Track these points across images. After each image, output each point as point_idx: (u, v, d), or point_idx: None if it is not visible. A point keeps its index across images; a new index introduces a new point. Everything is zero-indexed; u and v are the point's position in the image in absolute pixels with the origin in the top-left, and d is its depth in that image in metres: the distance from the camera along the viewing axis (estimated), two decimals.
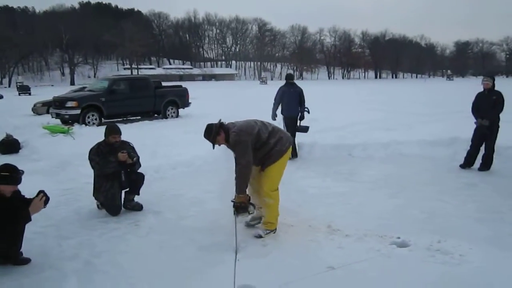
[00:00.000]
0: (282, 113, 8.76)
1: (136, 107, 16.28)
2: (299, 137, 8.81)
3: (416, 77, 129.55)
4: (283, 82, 9.03)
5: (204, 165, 7.96)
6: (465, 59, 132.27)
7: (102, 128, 5.63)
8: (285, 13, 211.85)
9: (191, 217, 5.22)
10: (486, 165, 7.30)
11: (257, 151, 4.45)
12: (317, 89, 36.73)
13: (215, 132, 4.40)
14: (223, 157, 8.30)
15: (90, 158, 5.19)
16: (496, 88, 7.14)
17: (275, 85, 12.21)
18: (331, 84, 70.34)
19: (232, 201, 4.47)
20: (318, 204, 5.59)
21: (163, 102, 16.89)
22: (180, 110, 17.63)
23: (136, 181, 5.43)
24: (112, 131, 5.30)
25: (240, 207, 4.39)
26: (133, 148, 5.49)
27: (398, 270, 3.67)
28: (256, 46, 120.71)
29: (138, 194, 5.51)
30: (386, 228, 4.63)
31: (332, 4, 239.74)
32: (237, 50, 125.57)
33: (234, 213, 4.46)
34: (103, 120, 15.17)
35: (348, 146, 9.38)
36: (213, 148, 4.54)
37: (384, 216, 5.10)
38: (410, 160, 8.28)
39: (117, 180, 5.23)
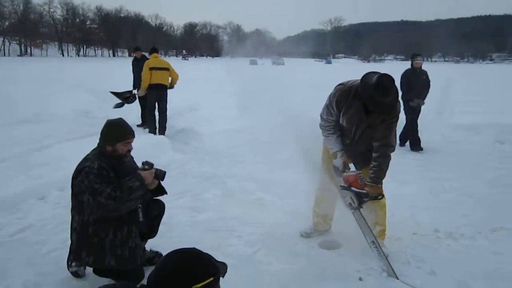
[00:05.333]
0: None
1: None
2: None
3: None
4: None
5: None
6: (196, 40, 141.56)
7: None
8: None
9: (260, 250, 3.57)
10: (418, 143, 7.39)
11: None
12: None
13: (396, 95, 3.15)
14: None
15: (93, 190, 2.71)
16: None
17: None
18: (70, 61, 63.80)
19: (355, 190, 3.31)
20: None
21: None
22: None
23: (157, 217, 3.25)
24: (124, 131, 2.98)
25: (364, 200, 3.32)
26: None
27: None
28: None
29: (154, 236, 3.31)
30: (478, 220, 4.20)
31: None
32: None
33: (355, 208, 3.34)
34: None
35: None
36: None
37: (439, 206, 4.67)
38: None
39: (133, 223, 2.97)
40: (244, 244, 3.71)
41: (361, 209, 3.38)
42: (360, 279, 3.12)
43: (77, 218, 2.90)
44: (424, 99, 7.27)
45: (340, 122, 3.40)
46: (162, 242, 3.48)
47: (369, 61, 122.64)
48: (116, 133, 2.95)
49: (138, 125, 8.78)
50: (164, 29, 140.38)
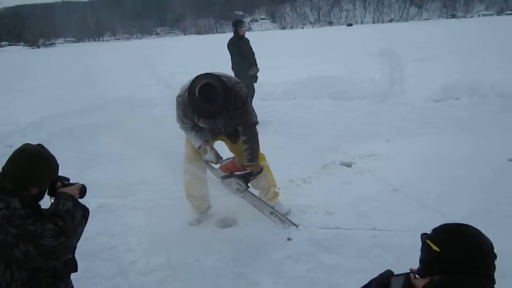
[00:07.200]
0: None
1: None
2: None
3: None
4: None
5: None
6: None
7: None
8: None
9: (171, 255, 3.17)
10: None
11: None
12: None
13: (227, 93, 3.08)
14: None
15: (30, 234, 1.70)
16: None
17: None
18: None
19: (238, 174, 3.42)
20: None
21: None
22: None
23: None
24: (57, 166, 2.01)
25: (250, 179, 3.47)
26: None
27: None
28: None
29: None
30: (308, 164, 4.89)
31: None
32: None
33: (244, 189, 3.46)
34: None
35: None
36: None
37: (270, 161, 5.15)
38: None
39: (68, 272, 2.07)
40: (147, 255, 3.23)
41: (249, 188, 3.49)
42: (289, 239, 3.27)
43: None
44: (256, 65, 6.99)
45: (199, 125, 3.35)
46: None
47: (38, 47, 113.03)
48: (49, 170, 2.00)
49: None
50: None
